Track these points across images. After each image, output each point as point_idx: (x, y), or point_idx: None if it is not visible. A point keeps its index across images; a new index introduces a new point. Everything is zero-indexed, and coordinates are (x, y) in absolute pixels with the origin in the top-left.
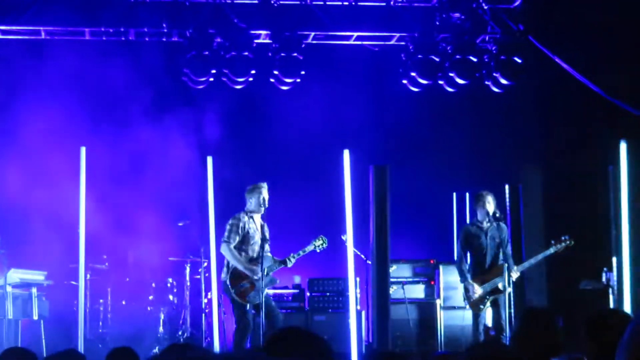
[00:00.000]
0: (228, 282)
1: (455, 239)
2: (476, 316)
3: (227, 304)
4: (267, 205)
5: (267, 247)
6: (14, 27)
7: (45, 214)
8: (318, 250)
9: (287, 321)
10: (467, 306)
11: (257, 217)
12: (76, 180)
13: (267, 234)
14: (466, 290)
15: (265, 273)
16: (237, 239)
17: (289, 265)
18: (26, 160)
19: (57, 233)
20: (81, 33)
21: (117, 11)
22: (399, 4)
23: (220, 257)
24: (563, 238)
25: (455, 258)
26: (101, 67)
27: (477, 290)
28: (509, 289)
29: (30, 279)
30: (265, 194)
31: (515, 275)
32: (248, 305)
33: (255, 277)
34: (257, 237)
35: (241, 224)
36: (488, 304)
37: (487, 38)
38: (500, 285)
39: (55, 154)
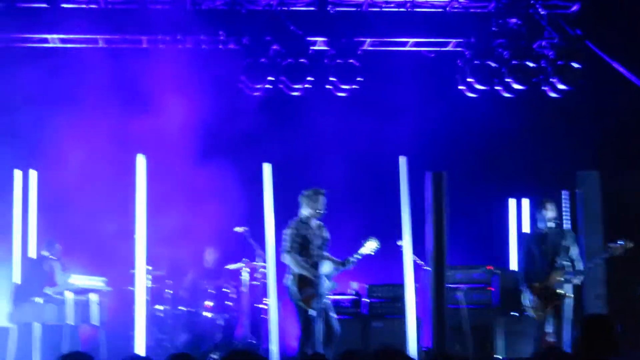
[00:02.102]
0: (294, 289)
1: (512, 245)
2: (537, 323)
3: (287, 309)
4: (324, 211)
5: (326, 249)
6: (72, 36)
7: (104, 221)
8: (372, 253)
9: (345, 328)
10: (530, 313)
11: (314, 221)
12: (135, 186)
13: (326, 236)
14: (527, 297)
15: (326, 278)
16: (297, 246)
17: (348, 267)
18: (86, 168)
19: (117, 239)
20: (138, 41)
21: (175, 19)
22: (455, 10)
23: (280, 264)
24: (619, 242)
25: (515, 264)
26: (158, 75)
27: (537, 297)
28: (571, 296)
29: (90, 285)
30: (322, 200)
31: (576, 281)
32: (313, 312)
33: (318, 282)
34: (316, 242)
35: (298, 232)
36: (549, 310)
37: (544, 43)
38: (561, 292)
39: (115, 160)
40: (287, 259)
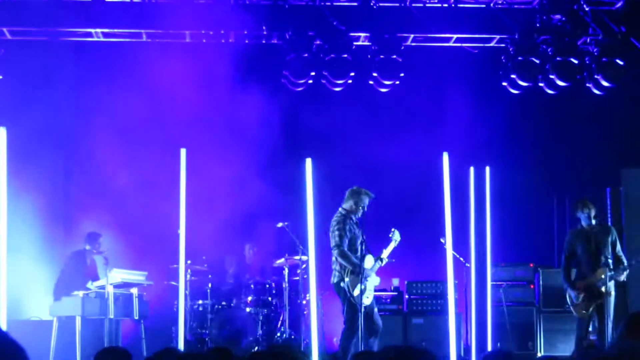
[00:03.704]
0: (348, 284)
1: (556, 243)
2: (580, 321)
3: (329, 305)
4: (365, 210)
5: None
6: (115, 30)
7: (146, 216)
8: (396, 244)
9: (386, 324)
10: (573, 311)
11: (355, 218)
12: (177, 181)
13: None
14: (570, 295)
15: (371, 273)
16: (347, 241)
17: (383, 263)
18: (128, 162)
19: (158, 234)
20: (182, 36)
21: (218, 14)
22: (499, 6)
23: (320, 259)
24: None
25: (557, 262)
26: (201, 70)
27: (581, 295)
28: (613, 293)
29: (132, 279)
30: (367, 200)
31: (621, 278)
32: (363, 307)
33: (366, 277)
34: (361, 237)
35: (347, 227)
36: (592, 308)
37: (588, 40)
38: (603, 290)
39: (156, 155)
40: (340, 253)
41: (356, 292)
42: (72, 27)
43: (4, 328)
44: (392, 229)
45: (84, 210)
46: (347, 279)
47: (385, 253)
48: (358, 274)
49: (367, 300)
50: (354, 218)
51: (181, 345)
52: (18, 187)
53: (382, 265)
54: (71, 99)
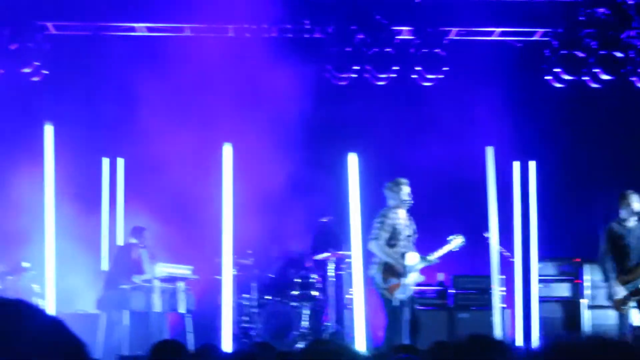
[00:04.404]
0: (378, 278)
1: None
2: (621, 316)
3: (374, 299)
4: (410, 201)
5: (413, 241)
6: (159, 25)
7: (192, 210)
8: (456, 249)
9: (431, 318)
10: (615, 306)
11: (402, 212)
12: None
13: (413, 228)
14: (609, 289)
15: (413, 270)
16: (386, 235)
17: (430, 263)
18: (173, 157)
19: (204, 228)
20: (225, 30)
21: (260, 8)
22: (542, 0)
23: (366, 253)
24: None
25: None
26: (244, 64)
27: (620, 290)
28: None
29: (177, 273)
30: (406, 189)
31: None
32: (397, 302)
33: (404, 272)
34: (406, 232)
35: (388, 220)
36: (631, 304)
37: (632, 33)
38: None
39: (202, 149)
40: (373, 246)
41: (385, 286)
42: (116, 21)
43: None
44: (456, 235)
45: (129, 203)
46: (376, 272)
47: (436, 255)
48: (392, 268)
49: (402, 295)
50: (401, 213)
51: (227, 340)
52: (63, 181)
53: (430, 264)
54: (115, 94)
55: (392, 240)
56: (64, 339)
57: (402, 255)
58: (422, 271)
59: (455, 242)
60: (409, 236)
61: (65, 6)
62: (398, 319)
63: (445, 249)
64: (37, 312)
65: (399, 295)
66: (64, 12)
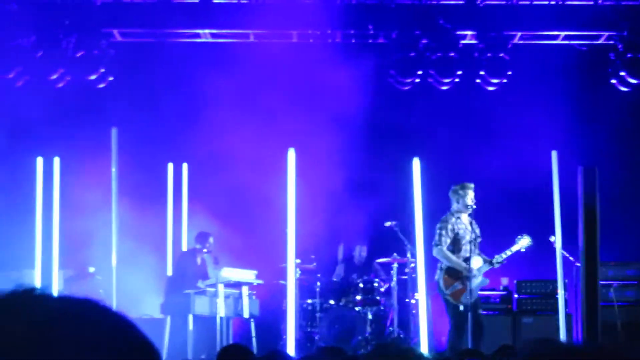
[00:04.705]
0: (442, 283)
1: None
2: None
3: (438, 304)
4: (474, 205)
5: (477, 245)
6: (223, 31)
7: (255, 214)
8: (523, 250)
9: (495, 323)
10: None
11: (465, 217)
12: (286, 181)
13: (477, 232)
14: None
15: (477, 274)
16: (448, 241)
17: (496, 266)
18: (237, 162)
19: (268, 233)
20: (289, 36)
21: (324, 14)
22: (607, 3)
23: (430, 258)
24: None
25: None
26: (308, 69)
27: None
28: None
29: (241, 278)
30: (471, 194)
31: None
32: (461, 307)
33: (468, 277)
34: (468, 237)
35: (450, 226)
36: None
37: None
38: None
39: (264, 155)
40: (436, 252)
41: (449, 291)
42: (180, 28)
43: None
44: (523, 235)
45: (201, 210)
46: (440, 277)
47: (501, 257)
48: (455, 273)
49: (466, 300)
50: (463, 217)
51: (291, 344)
52: (128, 187)
53: (495, 267)
54: (179, 99)
55: (455, 245)
56: (136, 340)
57: (466, 260)
58: (486, 275)
59: (523, 242)
60: (471, 241)
61: (130, 13)
62: (462, 324)
63: (512, 250)
64: (107, 312)
65: (463, 300)
66: (129, 19)
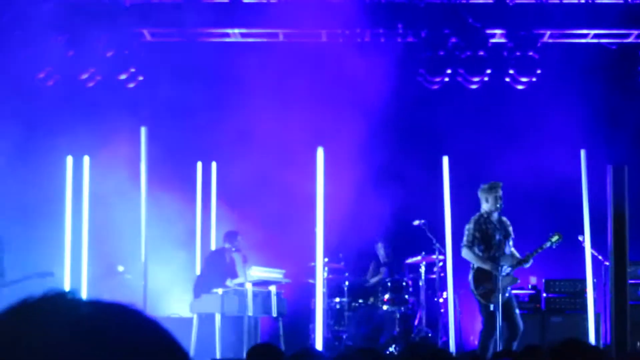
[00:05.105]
0: (473, 283)
1: None
2: None
3: (466, 303)
4: (501, 204)
5: (510, 244)
6: (252, 30)
7: (283, 214)
8: (554, 247)
9: (523, 322)
10: None
11: (495, 216)
12: (314, 180)
13: (509, 230)
14: None
15: (506, 272)
16: (477, 241)
17: (527, 264)
18: (265, 160)
19: (296, 232)
20: (318, 35)
21: (353, 13)
22: (637, 1)
23: (457, 257)
24: None
25: None
26: (337, 68)
27: None
28: None
29: (270, 277)
30: (499, 192)
31: None
32: (492, 306)
33: (498, 277)
34: (498, 236)
35: (479, 226)
36: None
37: None
38: None
39: (294, 153)
40: (466, 253)
41: (480, 291)
42: (210, 27)
43: None
44: (556, 232)
45: (221, 208)
46: (472, 277)
47: (533, 254)
48: (486, 273)
49: (497, 299)
50: (493, 217)
51: (319, 343)
52: (156, 186)
53: (526, 266)
54: (209, 99)
55: (485, 245)
56: (165, 344)
57: (496, 259)
58: (516, 274)
59: (553, 239)
60: (502, 240)
61: (160, 13)
62: (493, 324)
63: (543, 247)
64: (137, 316)
65: (494, 300)
66: (159, 19)
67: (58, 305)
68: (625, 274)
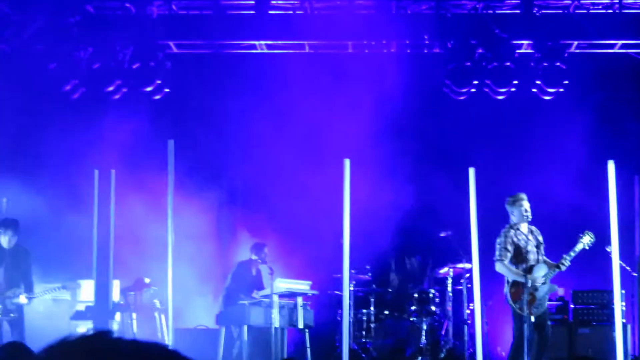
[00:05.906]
0: (509, 296)
1: None
2: None
3: (493, 314)
4: (530, 216)
5: (542, 252)
6: (278, 42)
7: (310, 226)
8: (587, 247)
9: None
10: None
11: (524, 226)
12: (341, 191)
13: (540, 239)
14: None
15: (543, 281)
16: (509, 254)
17: (563, 268)
18: (293, 173)
19: (322, 244)
20: (344, 46)
21: (379, 24)
22: None
23: (484, 268)
24: None
25: None
26: (364, 79)
27: None
28: None
29: (296, 288)
30: (525, 204)
31: None
32: (532, 317)
33: (533, 287)
34: (530, 246)
35: (509, 239)
36: None
37: None
38: None
39: (320, 165)
40: (499, 267)
41: (518, 305)
42: (236, 39)
43: (170, 337)
44: (587, 231)
45: (248, 220)
46: (508, 291)
47: (567, 258)
48: (520, 285)
49: (536, 311)
50: (522, 228)
51: (345, 355)
52: (185, 198)
53: (563, 270)
54: (235, 111)
55: (517, 256)
56: None
57: (530, 270)
58: (552, 280)
59: (585, 239)
60: (533, 250)
61: (186, 25)
62: (525, 337)
63: (576, 250)
64: (177, 357)
65: (534, 311)
66: (185, 31)
67: (97, 346)
68: None
